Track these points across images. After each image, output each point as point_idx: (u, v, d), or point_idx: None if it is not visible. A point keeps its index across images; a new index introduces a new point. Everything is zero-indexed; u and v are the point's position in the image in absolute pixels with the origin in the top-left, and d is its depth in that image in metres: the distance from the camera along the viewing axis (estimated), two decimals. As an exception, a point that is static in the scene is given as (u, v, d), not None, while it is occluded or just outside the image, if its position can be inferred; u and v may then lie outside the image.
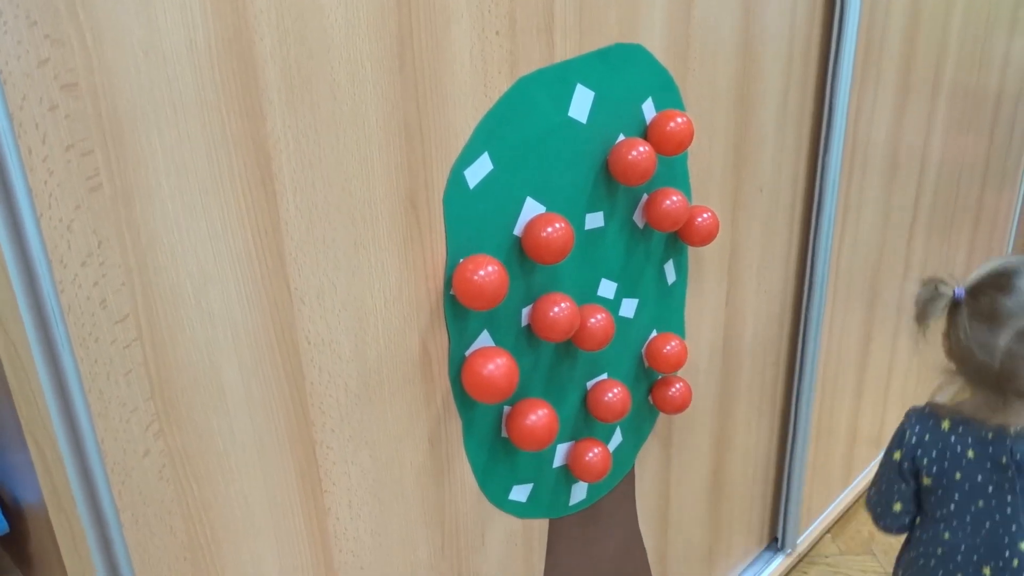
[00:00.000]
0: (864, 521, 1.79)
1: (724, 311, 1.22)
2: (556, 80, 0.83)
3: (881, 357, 1.79)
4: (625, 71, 0.90)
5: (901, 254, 1.73)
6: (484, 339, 0.83)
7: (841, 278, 1.50)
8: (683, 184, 1.04)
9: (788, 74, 1.19)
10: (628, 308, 1.02)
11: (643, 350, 1.06)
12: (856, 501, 1.82)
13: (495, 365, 0.79)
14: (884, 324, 1.76)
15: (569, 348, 0.94)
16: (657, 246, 1.03)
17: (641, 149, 0.89)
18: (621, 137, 0.92)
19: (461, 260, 0.77)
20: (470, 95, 0.75)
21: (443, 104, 0.73)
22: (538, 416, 0.85)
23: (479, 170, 0.77)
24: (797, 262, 1.37)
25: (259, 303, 0.64)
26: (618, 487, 1.10)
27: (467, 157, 0.76)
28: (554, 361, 0.93)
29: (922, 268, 1.87)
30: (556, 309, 0.84)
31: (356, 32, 0.64)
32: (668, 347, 1.05)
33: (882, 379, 1.84)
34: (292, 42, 0.60)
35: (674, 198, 0.97)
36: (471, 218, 0.78)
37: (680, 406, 1.09)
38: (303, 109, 0.62)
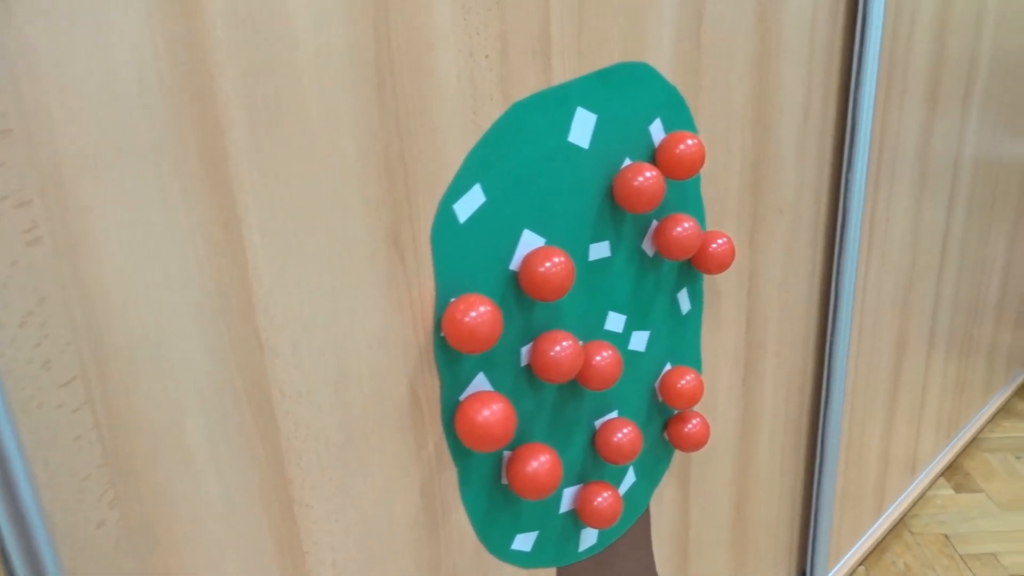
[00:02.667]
0: (900, 552, 1.71)
1: (744, 338, 1.15)
2: (554, 104, 0.77)
3: (914, 379, 1.72)
4: (630, 91, 0.85)
5: (933, 271, 1.66)
6: (480, 382, 0.78)
7: (869, 299, 1.43)
8: (696, 209, 0.98)
9: (808, 88, 1.13)
10: (639, 341, 0.96)
11: (656, 385, 1.00)
12: (891, 530, 1.74)
13: (490, 411, 0.73)
14: (917, 344, 1.68)
15: (574, 387, 0.88)
16: (669, 275, 0.97)
17: (648, 174, 0.84)
18: (627, 162, 0.86)
19: (452, 300, 0.72)
20: (458, 124, 0.70)
21: (428, 134, 0.68)
22: (540, 463, 0.80)
23: (470, 203, 0.72)
24: (821, 284, 1.31)
25: (225, 356, 0.59)
26: (632, 529, 1.04)
27: (456, 190, 0.71)
28: (558, 401, 0.87)
29: (955, 286, 1.79)
30: (557, 349, 0.79)
31: (329, 61, 0.59)
32: (683, 381, 0.99)
33: (916, 402, 1.76)
34: (257, 74, 0.56)
35: (685, 224, 0.91)
36: (462, 254, 0.73)
37: (698, 443, 1.03)
38: (271, 145, 0.58)
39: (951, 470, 1.99)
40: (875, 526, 1.70)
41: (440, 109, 0.68)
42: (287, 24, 0.56)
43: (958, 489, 1.93)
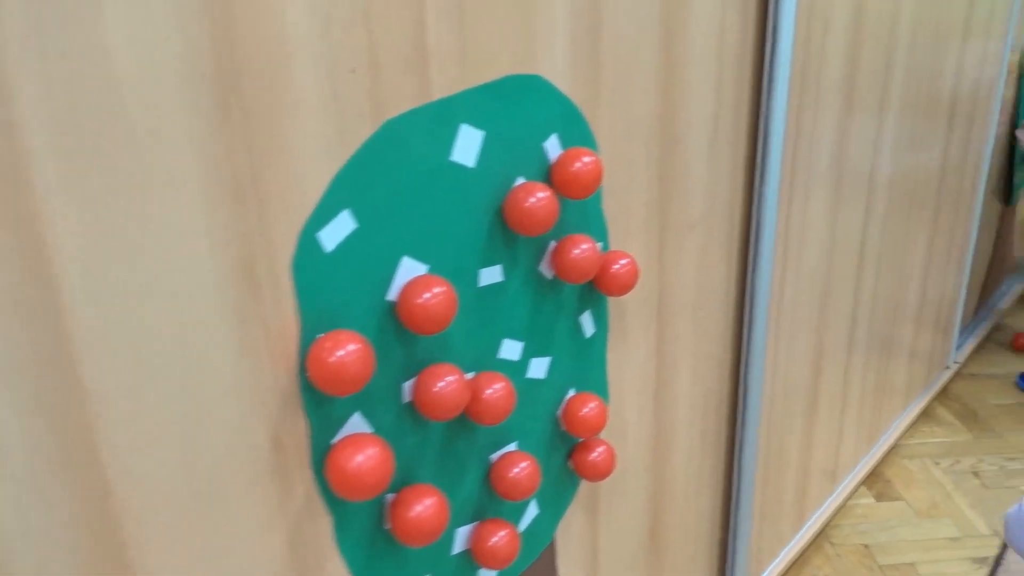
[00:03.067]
0: (820, 564, 1.70)
1: (655, 359, 1.11)
2: (434, 121, 0.71)
3: (834, 388, 1.70)
4: (521, 106, 0.79)
5: (851, 279, 1.64)
6: (356, 423, 0.72)
7: (785, 310, 1.41)
8: (597, 228, 0.93)
9: (718, 99, 1.09)
10: (538, 368, 0.91)
11: (559, 413, 0.95)
12: (812, 542, 1.73)
13: (364, 457, 0.67)
14: (836, 353, 1.67)
15: (466, 421, 0.83)
16: (570, 297, 0.92)
17: (540, 195, 0.78)
18: (519, 181, 0.81)
19: (318, 337, 0.65)
20: (322, 144, 0.63)
21: (285, 157, 0.61)
22: (424, 507, 0.74)
23: (338, 230, 0.66)
24: (736, 299, 1.27)
25: (38, 411, 0.51)
26: (536, 564, 0.99)
27: (321, 216, 0.64)
28: (447, 438, 0.81)
29: (874, 292, 1.78)
30: (441, 384, 0.73)
31: (157, 78, 0.52)
32: (586, 409, 0.94)
33: (836, 411, 1.75)
34: (65, 95, 0.49)
35: (584, 246, 0.86)
36: (330, 286, 0.66)
37: (603, 472, 0.98)
38: (89, 174, 0.51)
39: (872, 478, 1.99)
40: (796, 539, 1.69)
41: (299, 129, 0.61)
42: (97, 34, 0.49)
43: (879, 498, 1.93)
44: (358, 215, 0.67)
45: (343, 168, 0.65)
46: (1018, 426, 2.24)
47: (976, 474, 2.02)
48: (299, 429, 0.67)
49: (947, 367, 2.42)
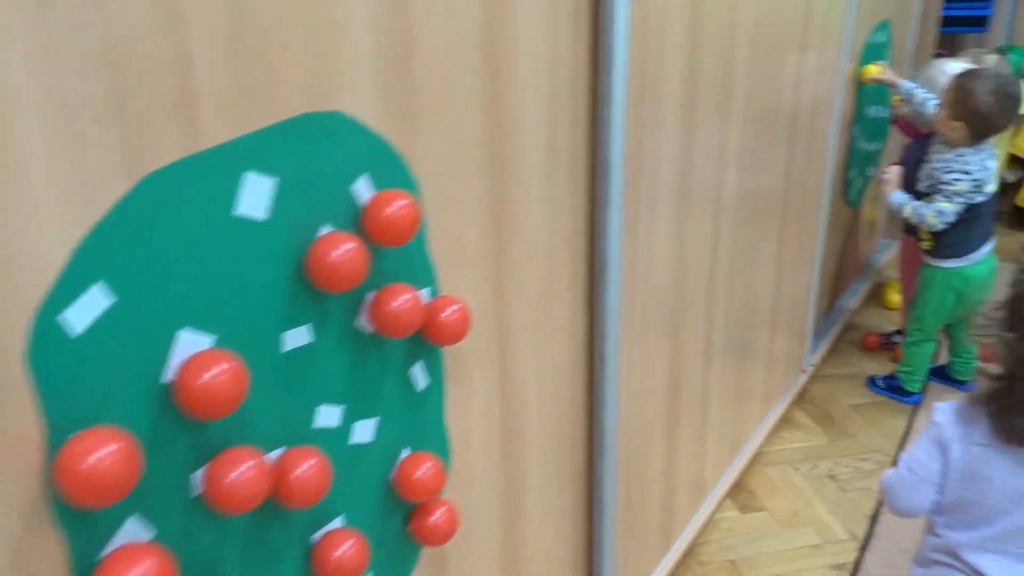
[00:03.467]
0: (687, 586, 1.67)
1: (499, 401, 1.04)
2: (210, 170, 0.62)
3: (693, 405, 1.68)
4: (321, 147, 0.71)
5: (703, 292, 1.63)
6: (132, 529, 0.61)
7: (637, 331, 1.37)
8: (422, 272, 0.85)
9: (552, 125, 1.03)
10: (364, 432, 0.82)
11: (392, 477, 0.87)
12: (680, 563, 1.70)
13: (136, 573, 0.56)
14: (692, 368, 1.65)
15: (276, 504, 0.73)
16: (397, 350, 0.84)
17: (346, 247, 0.69)
18: (325, 230, 0.72)
19: (69, 439, 0.55)
20: (59, 209, 0.53)
21: (10, 228, 0.50)
22: (224, 615, 0.64)
23: (88, 308, 0.55)
24: (585, 325, 1.22)
25: None
26: (376, 642, 0.90)
27: (63, 295, 0.54)
28: (256, 526, 0.71)
29: (727, 303, 1.78)
30: (234, 474, 0.63)
31: None
32: (421, 471, 0.86)
33: (697, 426, 1.74)
34: None
35: (404, 297, 0.78)
36: (83, 376, 0.56)
37: (445, 535, 0.90)
38: None
39: (736, 489, 1.99)
40: (664, 562, 1.66)
41: (23, 193, 0.51)
42: None
43: (743, 509, 1.93)
44: (116, 287, 0.56)
45: (89, 234, 0.54)
46: (869, 426, 2.30)
47: (833, 477, 2.05)
48: (54, 548, 0.56)
49: (803, 371, 2.47)
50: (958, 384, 2.49)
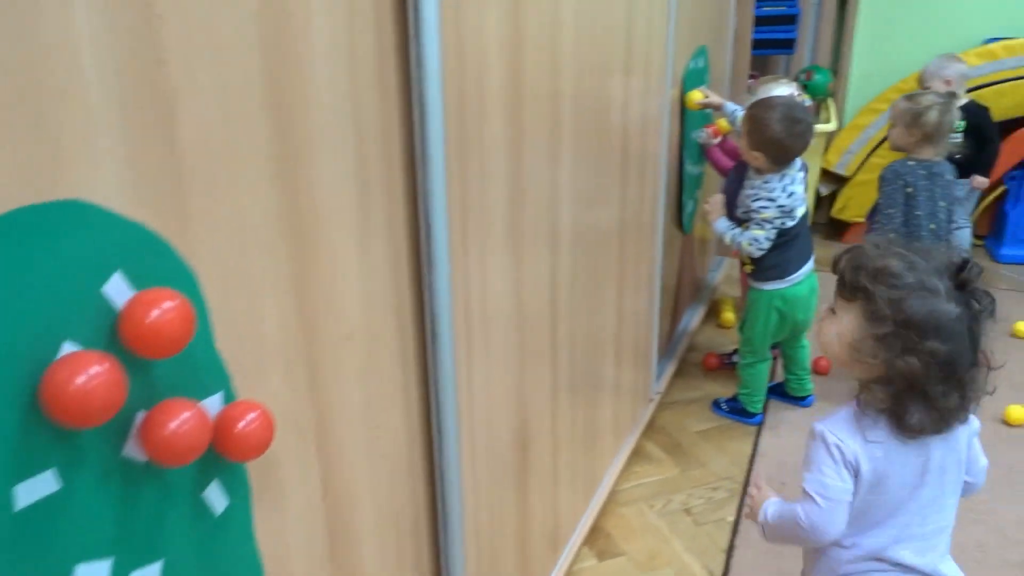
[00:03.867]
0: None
1: (321, 506, 0.90)
2: None
3: (542, 449, 1.60)
4: (53, 247, 0.55)
5: (546, 333, 1.54)
6: None
7: (477, 389, 1.26)
8: (211, 376, 0.71)
9: (363, 177, 0.91)
10: (144, 582, 0.67)
11: (187, 626, 0.71)
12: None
13: None
14: (540, 413, 1.56)
15: None
16: (183, 475, 0.69)
17: (92, 372, 0.55)
18: (67, 350, 0.57)
19: None
20: None
21: None
22: None
23: None
24: (419, 399, 1.10)
25: None
26: None
27: None
28: None
29: (571, 341, 1.70)
30: None
31: None
32: (222, 615, 0.71)
33: (547, 473, 1.65)
34: None
35: (184, 415, 0.63)
36: None
37: None
38: None
39: (593, 534, 1.92)
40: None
41: None
42: None
43: (601, 556, 1.86)
44: None
45: None
46: (717, 452, 2.29)
47: (688, 511, 2.02)
48: None
49: (651, 399, 2.44)
50: (796, 400, 2.54)
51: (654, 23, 2.05)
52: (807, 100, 2.54)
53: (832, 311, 1.19)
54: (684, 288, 2.93)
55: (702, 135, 2.69)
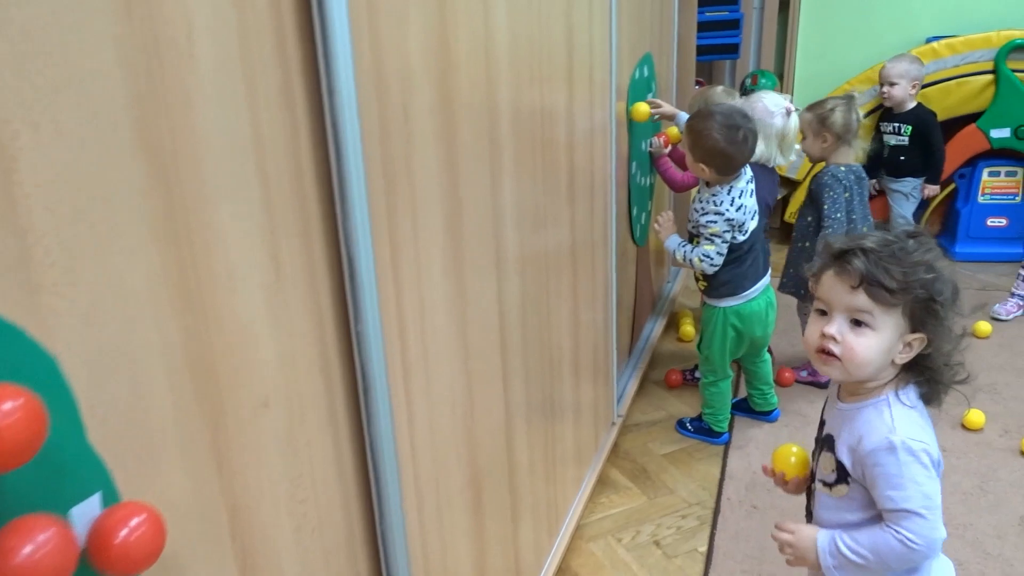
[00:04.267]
0: None
1: (242, 601, 0.79)
2: None
3: (499, 489, 1.49)
4: None
5: (496, 358, 1.44)
6: None
7: (422, 439, 1.15)
8: (85, 476, 0.60)
9: (271, 227, 0.80)
10: None
11: None
12: None
13: None
14: (495, 452, 1.45)
15: None
16: (51, 600, 0.57)
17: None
18: None
19: None
20: None
21: None
22: None
23: None
24: (355, 463, 0.99)
25: None
26: None
27: None
28: None
29: (525, 369, 1.60)
30: None
31: None
32: None
33: (505, 516, 1.54)
34: None
35: (41, 537, 0.52)
36: None
37: None
38: None
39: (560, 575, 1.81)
40: None
41: None
42: None
43: (569, 600, 1.75)
44: None
45: None
46: (685, 476, 2.21)
47: (657, 543, 1.92)
48: None
49: (613, 423, 2.35)
50: (761, 416, 2.47)
51: (595, 29, 1.97)
52: (793, 107, 2.49)
53: (858, 323, 1.08)
54: (641, 302, 2.85)
55: (653, 144, 2.62)
